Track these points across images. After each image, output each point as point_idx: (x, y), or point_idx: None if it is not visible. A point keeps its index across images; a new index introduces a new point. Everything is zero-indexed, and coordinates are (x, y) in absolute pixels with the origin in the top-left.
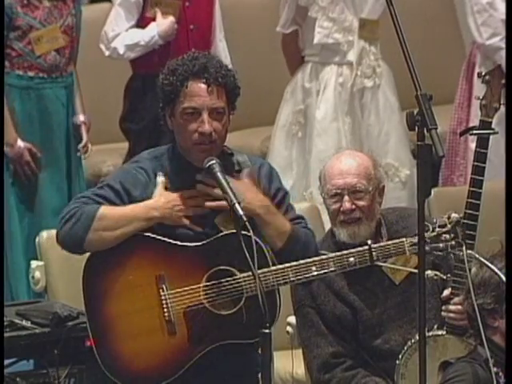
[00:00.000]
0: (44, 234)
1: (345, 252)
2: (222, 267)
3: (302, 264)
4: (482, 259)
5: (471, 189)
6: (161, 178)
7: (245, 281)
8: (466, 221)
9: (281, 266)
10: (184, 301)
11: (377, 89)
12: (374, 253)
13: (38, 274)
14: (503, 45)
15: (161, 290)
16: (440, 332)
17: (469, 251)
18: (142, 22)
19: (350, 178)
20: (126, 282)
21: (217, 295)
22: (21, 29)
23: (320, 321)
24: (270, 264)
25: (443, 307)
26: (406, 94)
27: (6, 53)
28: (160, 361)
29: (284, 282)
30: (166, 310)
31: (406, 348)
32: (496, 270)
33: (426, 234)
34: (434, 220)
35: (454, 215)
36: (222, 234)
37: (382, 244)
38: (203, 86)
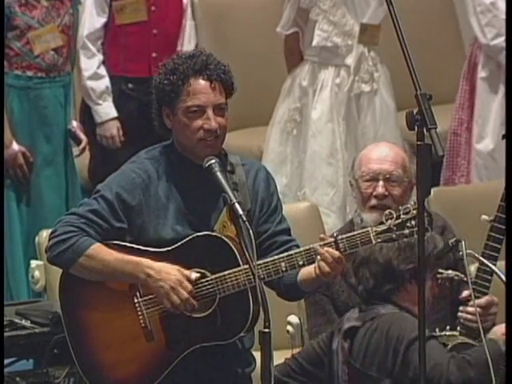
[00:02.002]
0: (43, 233)
1: (311, 246)
2: (193, 270)
3: (271, 261)
4: (482, 259)
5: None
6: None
7: (217, 282)
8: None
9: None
10: (158, 306)
11: (374, 93)
12: (340, 244)
13: (37, 274)
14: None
15: (134, 298)
16: (453, 333)
17: (469, 251)
18: (111, 32)
19: (386, 164)
20: (101, 291)
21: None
22: (19, 28)
23: (332, 309)
24: (241, 263)
25: (460, 307)
26: (404, 94)
27: (5, 52)
28: (140, 367)
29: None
30: (141, 316)
31: None
32: (496, 270)
33: (390, 222)
34: (399, 207)
35: (484, 216)
36: (191, 237)
37: (347, 235)
38: (206, 82)
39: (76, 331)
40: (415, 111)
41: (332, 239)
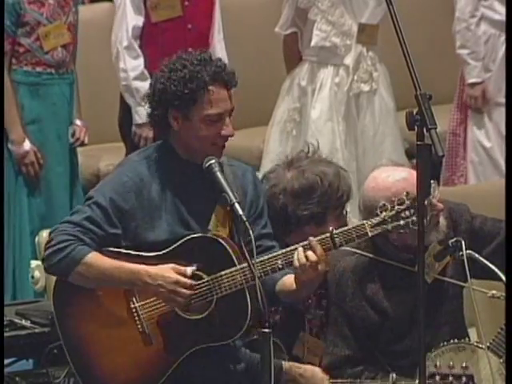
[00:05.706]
0: (43, 233)
1: (306, 242)
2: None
3: (267, 259)
4: (482, 259)
5: None
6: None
7: (213, 283)
8: None
9: (246, 264)
10: (155, 310)
11: (373, 93)
12: (336, 238)
13: (37, 274)
14: (470, 61)
15: (131, 303)
16: (481, 345)
17: (468, 251)
18: (147, 30)
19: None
20: (95, 299)
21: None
22: (29, 24)
23: (345, 322)
24: (237, 263)
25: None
26: (404, 94)
27: (14, 49)
28: (140, 373)
29: (252, 278)
30: (138, 321)
31: (445, 343)
32: (496, 270)
33: (385, 214)
34: (392, 199)
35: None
36: (185, 238)
37: (343, 229)
38: (223, 90)
39: (72, 340)
40: (415, 111)
41: (327, 234)
